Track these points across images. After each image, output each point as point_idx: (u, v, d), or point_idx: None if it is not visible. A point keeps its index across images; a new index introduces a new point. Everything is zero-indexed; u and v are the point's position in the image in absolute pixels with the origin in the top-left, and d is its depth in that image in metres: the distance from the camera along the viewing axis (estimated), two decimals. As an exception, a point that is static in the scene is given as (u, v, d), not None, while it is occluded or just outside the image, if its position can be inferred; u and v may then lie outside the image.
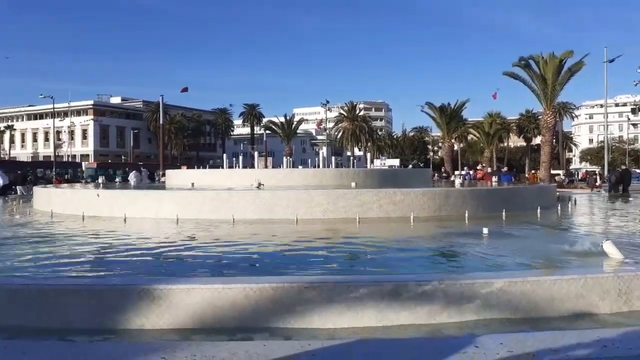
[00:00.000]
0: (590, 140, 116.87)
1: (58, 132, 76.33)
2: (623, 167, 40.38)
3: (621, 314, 4.90)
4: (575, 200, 19.23)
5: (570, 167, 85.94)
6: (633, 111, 52.83)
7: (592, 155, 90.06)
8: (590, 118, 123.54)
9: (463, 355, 3.14)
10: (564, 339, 3.38)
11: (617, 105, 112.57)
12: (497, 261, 7.08)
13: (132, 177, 29.63)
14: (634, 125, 70.65)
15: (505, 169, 33.68)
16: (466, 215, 12.03)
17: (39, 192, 17.23)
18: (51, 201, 14.95)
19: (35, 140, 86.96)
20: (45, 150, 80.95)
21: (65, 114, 78.01)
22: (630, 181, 28.02)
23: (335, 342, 3.59)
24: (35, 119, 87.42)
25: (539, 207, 13.56)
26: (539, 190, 17.61)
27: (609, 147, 53.32)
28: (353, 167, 29.02)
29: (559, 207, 15.63)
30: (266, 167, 29.77)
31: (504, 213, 12.33)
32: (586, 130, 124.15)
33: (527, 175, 42.56)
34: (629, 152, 75.43)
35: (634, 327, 4.24)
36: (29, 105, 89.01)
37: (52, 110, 66.06)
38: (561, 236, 10.40)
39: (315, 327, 4.49)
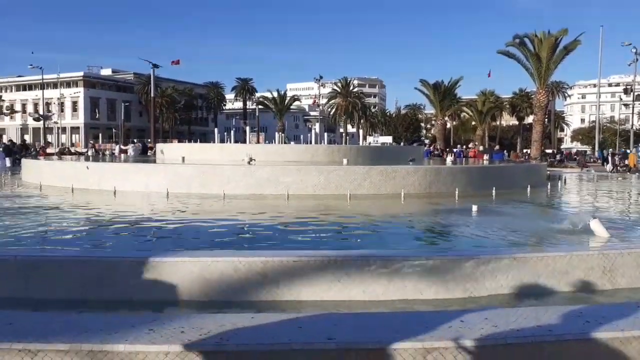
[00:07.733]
0: (582, 120, 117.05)
1: (47, 104, 75.17)
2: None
3: (605, 291, 4.97)
4: (565, 179, 19.37)
5: (562, 147, 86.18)
6: (625, 91, 52.87)
7: (584, 135, 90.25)
8: (582, 98, 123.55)
9: (448, 329, 3.17)
10: (546, 314, 3.42)
11: (610, 85, 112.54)
12: (485, 238, 7.14)
13: (130, 150, 30.17)
14: (626, 105, 70.72)
15: (497, 147, 33.78)
16: (456, 192, 12.08)
17: (27, 164, 17.07)
18: (40, 173, 14.82)
19: (24, 111, 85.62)
20: (35, 122, 79.80)
21: (54, 85, 76.72)
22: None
23: (322, 314, 3.62)
24: (24, 90, 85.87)
25: (529, 186, 13.64)
26: (529, 169, 17.68)
27: (600, 127, 53.46)
28: (346, 143, 29.03)
29: (549, 186, 15.74)
30: (258, 142, 29.67)
31: (493, 191, 12.39)
32: (578, 109, 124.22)
33: (517, 153, 42.98)
34: (620, 133, 75.57)
35: (617, 304, 4.30)
36: (18, 76, 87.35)
37: (41, 81, 64.95)
38: (549, 214, 10.49)
39: (302, 300, 4.53)
